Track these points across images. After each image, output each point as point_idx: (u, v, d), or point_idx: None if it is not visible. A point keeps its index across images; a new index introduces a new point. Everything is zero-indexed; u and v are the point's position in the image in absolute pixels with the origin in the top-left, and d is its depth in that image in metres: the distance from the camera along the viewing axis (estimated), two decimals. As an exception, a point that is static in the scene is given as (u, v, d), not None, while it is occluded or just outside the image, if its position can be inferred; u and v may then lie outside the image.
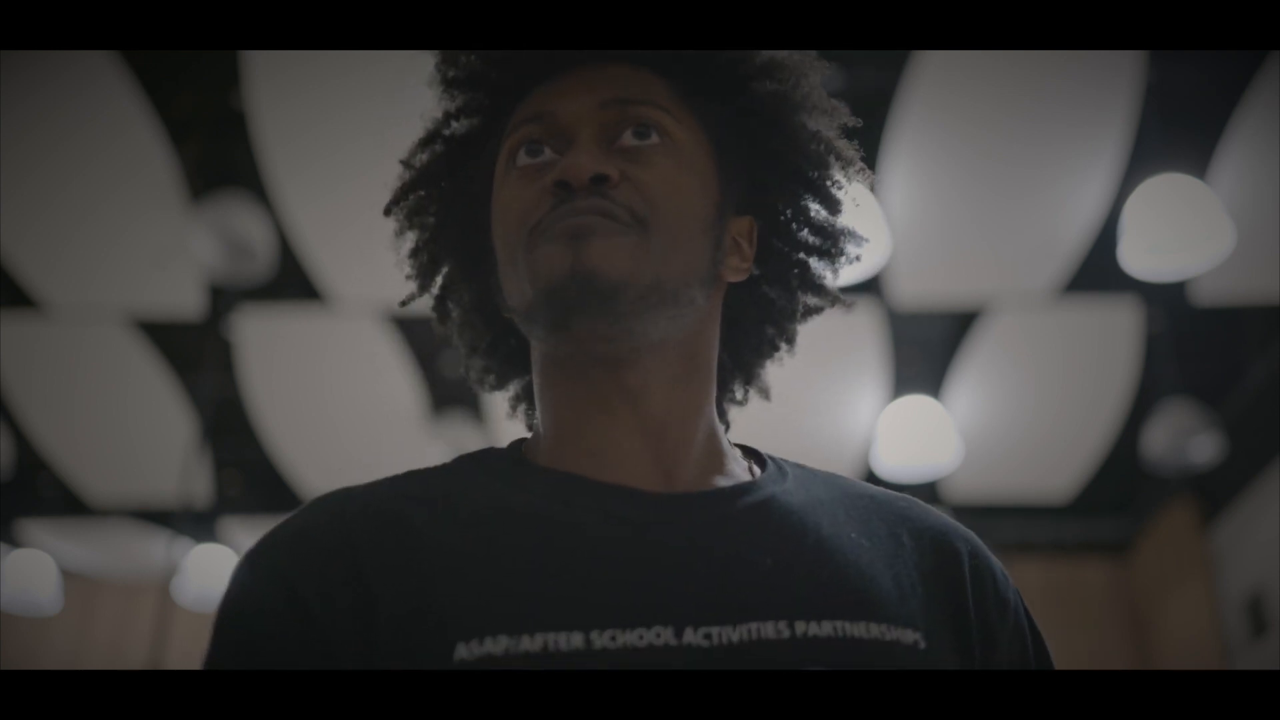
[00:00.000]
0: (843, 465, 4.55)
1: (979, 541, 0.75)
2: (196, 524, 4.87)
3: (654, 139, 0.70)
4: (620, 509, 0.66)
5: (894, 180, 3.23)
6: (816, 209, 0.79)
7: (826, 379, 3.98)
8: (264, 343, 4.15)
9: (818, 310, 0.82)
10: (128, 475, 4.96)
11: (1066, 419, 4.46)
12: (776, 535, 0.67)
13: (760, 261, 0.79)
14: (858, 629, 0.62)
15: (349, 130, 3.09)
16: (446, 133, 0.79)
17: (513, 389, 0.84)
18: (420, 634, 0.61)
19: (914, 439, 3.88)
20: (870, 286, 3.58)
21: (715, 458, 0.72)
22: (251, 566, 0.67)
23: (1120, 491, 5.26)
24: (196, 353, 4.17)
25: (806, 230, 0.80)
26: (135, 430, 4.65)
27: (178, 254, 3.44)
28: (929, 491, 4.99)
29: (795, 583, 0.64)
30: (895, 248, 3.36)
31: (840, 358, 3.93)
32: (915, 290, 3.66)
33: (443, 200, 0.79)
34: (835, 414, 4.23)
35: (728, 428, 0.81)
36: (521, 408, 0.84)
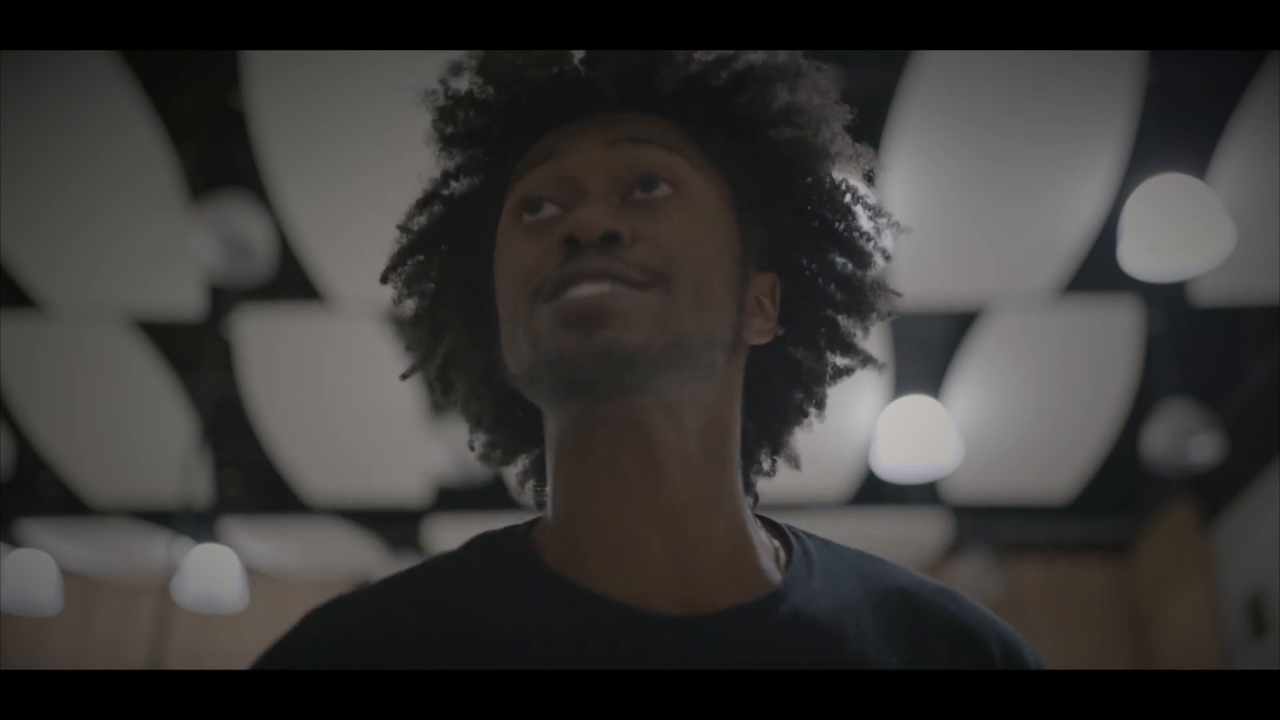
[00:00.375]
0: (843, 465, 4.55)
1: (1014, 638, 0.69)
2: (196, 524, 4.87)
3: (663, 190, 0.66)
4: (635, 640, 0.62)
5: (894, 180, 3.23)
6: (843, 263, 0.74)
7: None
8: (264, 343, 4.15)
9: (848, 372, 0.76)
10: (128, 475, 4.96)
11: (1066, 419, 4.46)
12: (798, 656, 0.63)
13: (784, 321, 0.73)
14: None
15: (349, 130, 3.09)
16: (445, 193, 0.75)
17: (521, 464, 0.79)
18: None
19: (914, 439, 3.88)
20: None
21: (740, 553, 0.67)
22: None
23: (1120, 491, 5.26)
24: (196, 353, 4.18)
25: (834, 285, 0.74)
26: (135, 430, 4.65)
27: (178, 254, 3.44)
28: (929, 491, 4.99)
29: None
30: (895, 248, 3.35)
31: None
32: (915, 290, 3.65)
33: (444, 264, 0.75)
34: (835, 414, 4.22)
35: (755, 501, 0.76)
36: (530, 484, 0.79)
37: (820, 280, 0.74)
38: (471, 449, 0.79)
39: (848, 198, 0.73)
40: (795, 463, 0.78)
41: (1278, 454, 4.19)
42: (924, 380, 4.13)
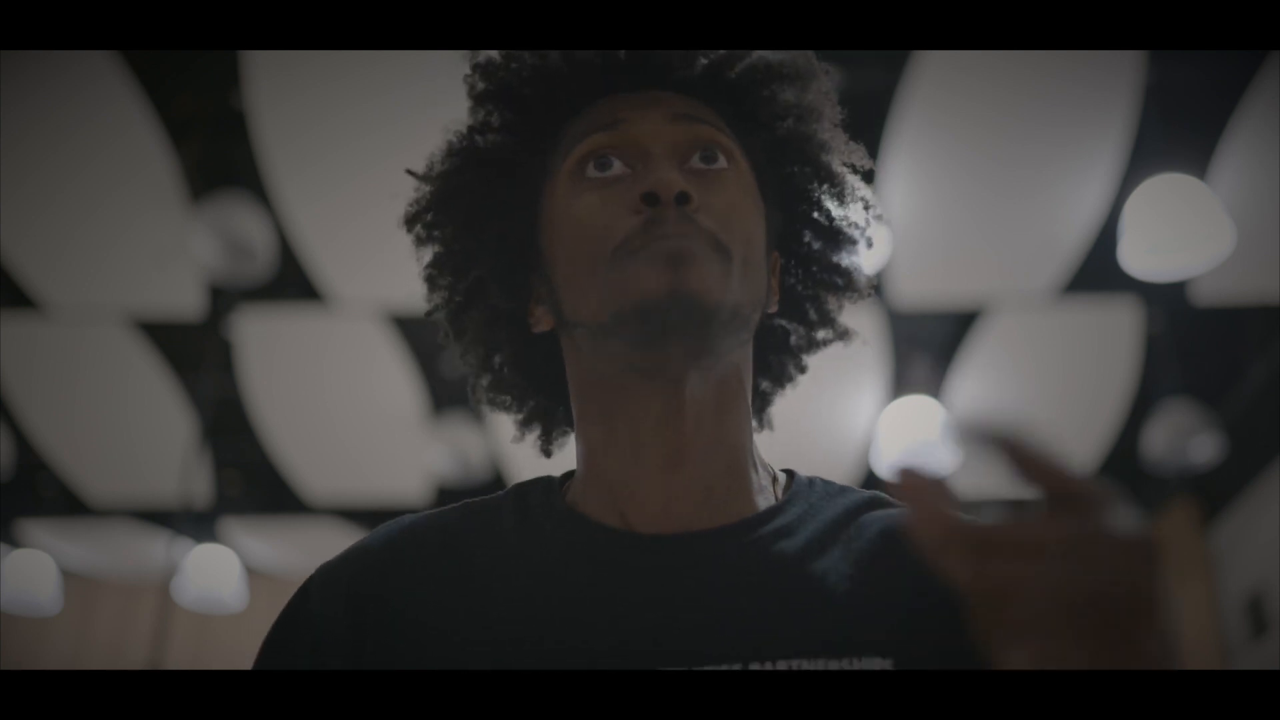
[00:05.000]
0: (843, 465, 4.55)
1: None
2: (196, 524, 4.87)
3: (721, 163, 0.72)
4: (613, 554, 0.69)
5: (894, 180, 3.23)
6: (835, 246, 0.81)
7: (826, 379, 3.98)
8: (264, 343, 4.15)
9: (827, 343, 0.84)
10: (128, 475, 4.96)
11: (1066, 419, 4.46)
12: (759, 577, 0.68)
13: (781, 296, 0.80)
14: (815, 664, 0.63)
15: (349, 130, 3.09)
16: (476, 144, 0.78)
17: (525, 411, 0.83)
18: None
19: (914, 439, 3.87)
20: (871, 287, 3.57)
21: (732, 489, 0.72)
22: (319, 573, 0.74)
23: (1120, 491, 5.25)
24: (196, 353, 4.17)
25: (824, 267, 0.81)
26: (135, 430, 4.66)
27: (178, 254, 3.44)
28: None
29: (765, 624, 0.65)
30: (895, 248, 3.36)
31: (840, 358, 3.93)
32: (915, 290, 3.66)
33: (473, 209, 0.78)
34: (835, 414, 4.23)
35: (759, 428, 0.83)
36: (533, 432, 0.84)
37: (814, 261, 0.81)
38: (472, 393, 0.83)
39: (844, 188, 0.80)
40: (769, 425, 0.86)
41: (1278, 454, 4.19)
42: (924, 380, 4.13)
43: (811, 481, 0.76)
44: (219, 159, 3.43)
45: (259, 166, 3.24)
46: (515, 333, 0.79)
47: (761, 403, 0.85)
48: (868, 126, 3.19)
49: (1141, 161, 3.05)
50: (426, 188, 0.79)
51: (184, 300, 3.81)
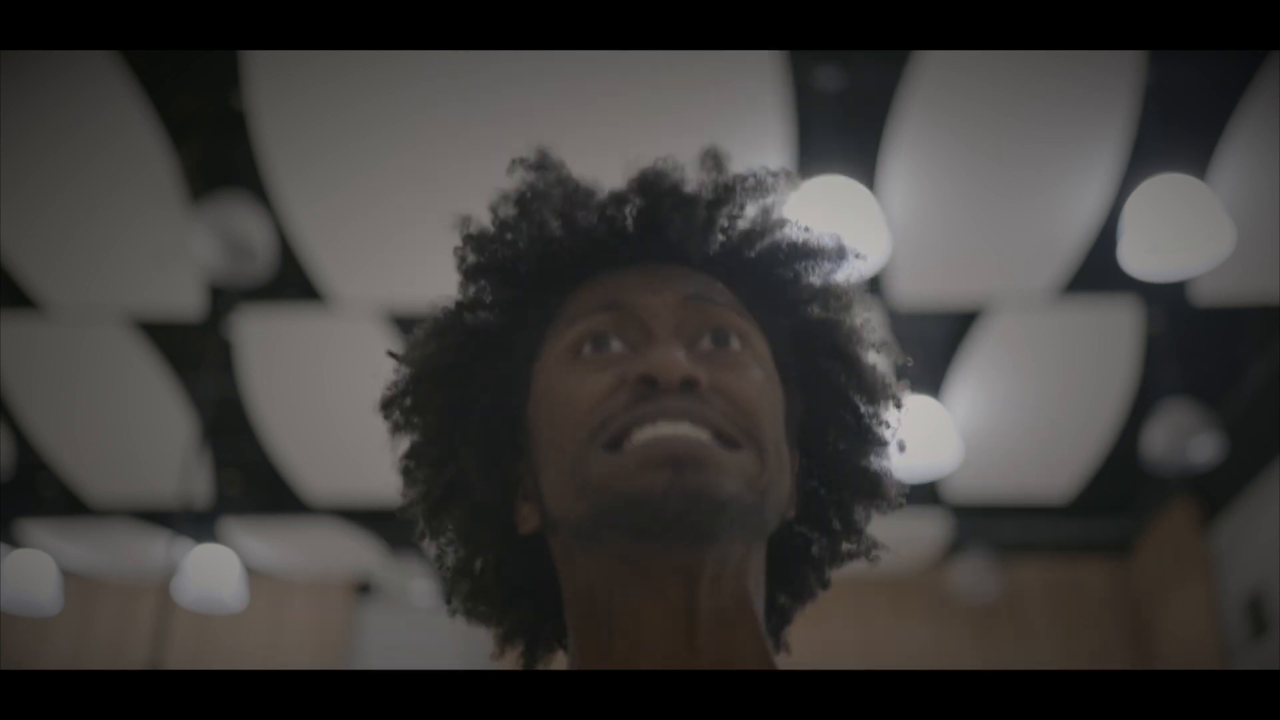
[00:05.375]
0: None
1: None
2: (196, 524, 4.87)
3: (735, 345, 0.65)
4: None
5: (894, 180, 3.24)
6: (864, 449, 0.73)
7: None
8: (264, 343, 4.15)
9: (853, 557, 0.74)
10: (128, 475, 4.96)
11: (1066, 419, 4.46)
12: None
13: (799, 500, 0.71)
14: None
15: (349, 130, 3.09)
16: (464, 322, 0.71)
17: (507, 624, 0.73)
18: None
19: (914, 439, 3.87)
20: (870, 286, 3.58)
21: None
22: None
23: (1120, 491, 5.26)
24: (196, 353, 4.17)
25: (850, 471, 0.73)
26: (135, 430, 4.66)
27: (178, 254, 3.44)
28: (929, 491, 4.99)
29: None
30: (895, 248, 3.36)
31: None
32: (915, 290, 3.66)
33: (457, 391, 0.70)
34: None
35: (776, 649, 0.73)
36: (514, 649, 0.74)
37: (839, 464, 0.73)
38: (448, 601, 0.73)
39: (877, 383, 0.73)
40: (787, 648, 0.75)
41: (1278, 454, 4.19)
42: (924, 380, 4.13)
43: None
44: (219, 159, 3.43)
45: (259, 166, 3.24)
46: (500, 532, 0.70)
47: (779, 620, 0.74)
48: (868, 126, 3.19)
49: (1141, 161, 3.05)
50: (406, 369, 0.71)
51: (184, 300, 3.81)
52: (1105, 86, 2.99)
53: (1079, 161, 3.20)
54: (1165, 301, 3.79)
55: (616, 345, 0.64)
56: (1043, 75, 2.95)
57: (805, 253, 0.71)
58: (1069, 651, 5.61)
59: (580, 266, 0.69)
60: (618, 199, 0.69)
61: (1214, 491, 4.77)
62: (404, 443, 0.72)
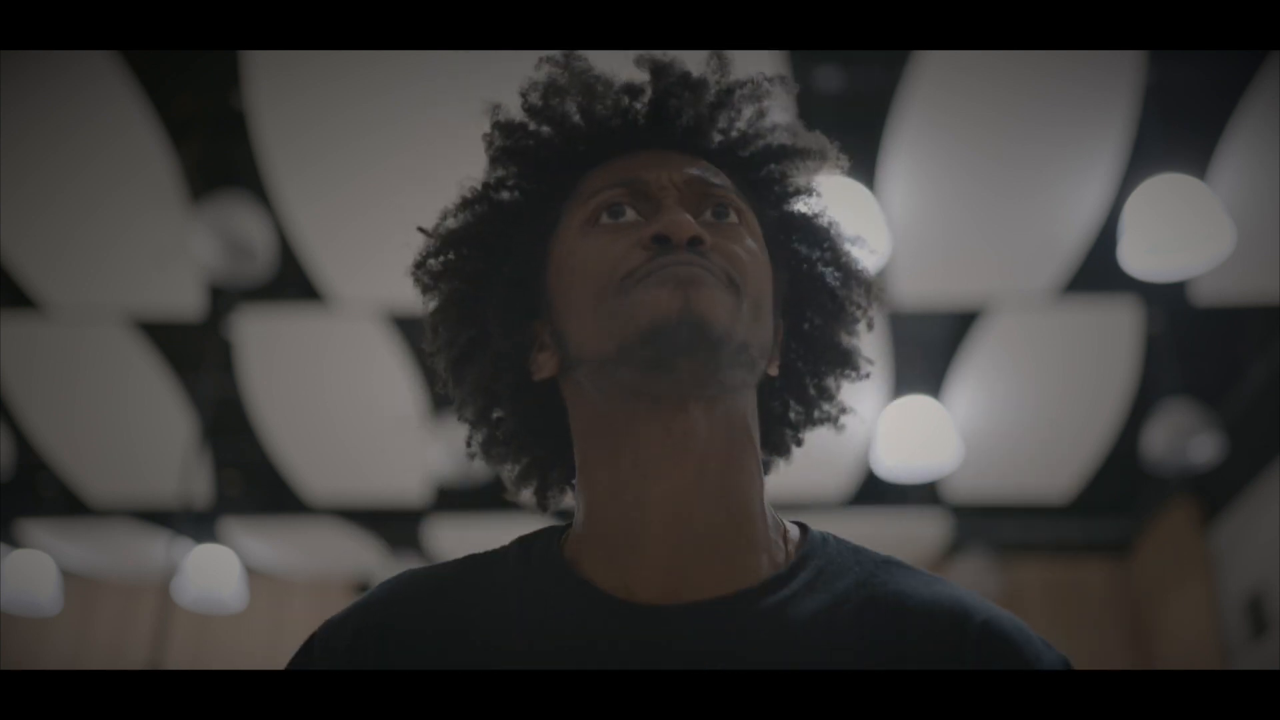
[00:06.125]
0: (843, 465, 4.55)
1: (996, 613, 0.69)
2: (196, 524, 4.87)
3: (733, 218, 0.74)
4: (614, 626, 0.67)
5: (894, 180, 3.24)
6: (837, 324, 0.82)
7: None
8: (264, 343, 4.15)
9: (824, 421, 0.84)
10: (128, 475, 4.96)
11: (1066, 419, 4.46)
12: (770, 651, 0.65)
13: (780, 366, 0.80)
14: None
15: (349, 130, 3.09)
16: (490, 198, 0.80)
17: (522, 465, 0.82)
18: None
19: (914, 439, 3.88)
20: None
21: (737, 548, 0.70)
22: (322, 628, 0.74)
23: (1120, 491, 5.26)
24: (196, 353, 4.17)
25: (825, 345, 0.82)
26: (135, 430, 4.65)
27: (178, 254, 3.44)
28: (929, 491, 4.99)
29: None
30: (895, 248, 3.36)
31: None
32: (915, 290, 3.66)
33: (482, 256, 0.79)
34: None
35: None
36: (528, 487, 0.82)
37: (815, 339, 0.82)
38: (469, 446, 0.82)
39: (851, 271, 0.82)
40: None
41: (1278, 454, 4.19)
42: (924, 380, 4.13)
43: (825, 539, 0.74)
44: (219, 159, 3.43)
45: (259, 166, 3.24)
46: (516, 381, 0.78)
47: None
48: (868, 126, 3.19)
49: (1141, 161, 3.04)
50: (435, 241, 0.80)
51: (184, 300, 3.81)
52: (1105, 86, 2.98)
53: (1079, 161, 3.20)
54: (1165, 301, 3.79)
55: (630, 214, 0.72)
56: (1043, 75, 2.95)
57: (793, 154, 0.80)
58: (1069, 651, 5.54)
59: (596, 151, 0.77)
60: (632, 90, 0.78)
61: (1214, 491, 4.77)
62: (432, 302, 0.80)
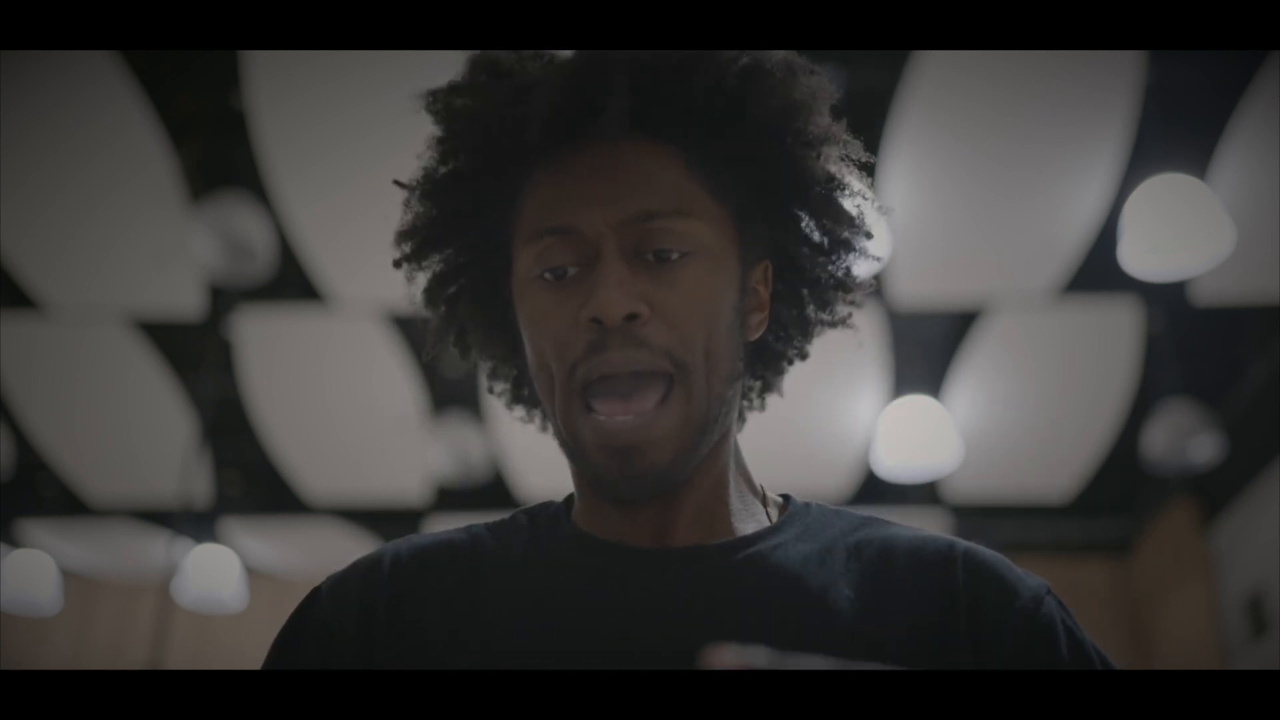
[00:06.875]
0: (843, 465, 4.55)
1: (974, 548, 0.74)
2: (196, 524, 4.87)
3: (675, 257, 0.71)
4: (620, 567, 0.72)
5: (894, 180, 3.23)
6: (830, 243, 0.80)
7: (826, 379, 3.98)
8: (264, 343, 4.15)
9: (831, 324, 0.85)
10: (128, 475, 4.96)
11: (1066, 419, 4.46)
12: (760, 589, 0.70)
13: (775, 292, 0.80)
14: None
15: (349, 130, 3.09)
16: (438, 193, 0.79)
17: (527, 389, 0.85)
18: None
19: (914, 439, 3.88)
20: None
21: (717, 510, 0.75)
22: (327, 581, 0.78)
23: (1120, 491, 5.26)
24: (196, 353, 4.17)
25: (818, 255, 0.81)
26: (135, 430, 4.65)
27: (178, 254, 3.44)
28: (929, 491, 4.99)
29: (765, 638, 0.64)
30: (895, 248, 3.36)
31: (840, 358, 3.93)
32: (915, 290, 3.66)
33: (455, 258, 0.81)
34: (835, 414, 4.23)
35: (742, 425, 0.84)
36: (501, 385, 0.87)
37: (806, 259, 0.80)
38: (491, 391, 0.88)
39: (838, 187, 0.78)
40: (780, 392, 0.88)
41: (1278, 454, 4.18)
42: (924, 380, 4.13)
43: (808, 505, 0.79)
44: (219, 159, 3.43)
45: (259, 166, 3.24)
46: (513, 365, 0.84)
47: (764, 386, 0.86)
48: (868, 126, 3.19)
49: (1141, 161, 3.05)
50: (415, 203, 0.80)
51: (184, 300, 3.81)
52: (1105, 86, 2.99)
53: (1079, 161, 3.20)
54: (1165, 301, 3.79)
55: (571, 271, 0.71)
56: (1043, 75, 2.95)
57: (760, 75, 0.73)
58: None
59: (545, 139, 0.72)
60: (565, 67, 0.72)
61: (1214, 491, 4.77)
62: (419, 281, 0.83)
